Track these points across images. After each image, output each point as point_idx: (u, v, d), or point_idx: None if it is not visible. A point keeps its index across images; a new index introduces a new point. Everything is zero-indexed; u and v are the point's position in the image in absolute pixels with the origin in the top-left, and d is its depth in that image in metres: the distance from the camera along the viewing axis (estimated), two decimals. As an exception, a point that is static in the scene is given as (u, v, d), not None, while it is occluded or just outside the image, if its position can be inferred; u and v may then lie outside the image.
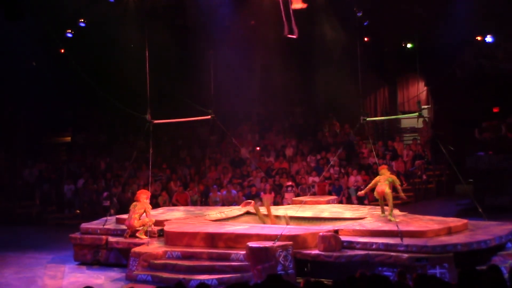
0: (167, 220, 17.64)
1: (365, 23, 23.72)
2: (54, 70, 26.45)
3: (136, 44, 24.05)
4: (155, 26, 22.67)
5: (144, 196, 17.31)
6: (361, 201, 22.73)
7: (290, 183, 24.66)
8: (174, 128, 28.20)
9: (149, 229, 16.89)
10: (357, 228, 15.70)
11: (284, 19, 17.51)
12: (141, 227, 16.95)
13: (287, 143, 28.16)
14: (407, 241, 14.47)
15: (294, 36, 17.62)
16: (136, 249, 15.86)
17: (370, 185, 18.09)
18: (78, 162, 27.70)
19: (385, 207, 17.19)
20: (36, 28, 22.01)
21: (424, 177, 25.90)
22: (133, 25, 24.19)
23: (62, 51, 23.80)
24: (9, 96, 28.21)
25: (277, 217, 17.85)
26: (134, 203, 17.33)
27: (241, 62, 27.83)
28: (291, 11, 17.45)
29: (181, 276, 14.50)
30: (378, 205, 18.56)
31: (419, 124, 27.52)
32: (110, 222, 18.23)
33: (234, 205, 21.75)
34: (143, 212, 17.08)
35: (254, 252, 14.49)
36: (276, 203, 23.64)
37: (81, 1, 23.54)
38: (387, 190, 16.96)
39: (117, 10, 24.65)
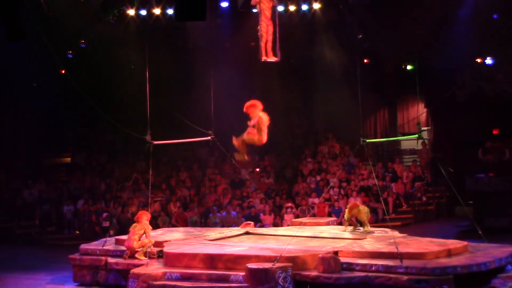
0: (166, 241, 17.60)
1: (364, 45, 23.85)
2: (54, 90, 26.52)
3: (136, 64, 24.14)
4: (155, 46, 22.76)
5: (145, 217, 17.27)
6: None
7: (289, 204, 24.65)
8: (174, 149, 28.24)
9: (149, 250, 16.85)
10: (357, 249, 15.66)
11: (260, 44, 17.47)
12: (141, 248, 16.91)
13: (287, 164, 28.17)
14: (406, 263, 14.42)
15: (276, 59, 17.58)
16: (135, 270, 15.79)
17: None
18: (78, 183, 27.68)
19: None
20: (37, 48, 22.06)
21: (424, 198, 25.91)
22: (133, 46, 24.28)
23: (63, 71, 23.82)
24: (10, 116, 28.27)
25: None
26: (134, 224, 17.28)
27: (241, 83, 27.87)
28: (276, 35, 17.43)
29: (180, 298, 14.52)
30: (379, 226, 18.74)
31: (419, 145, 27.55)
32: (109, 243, 18.17)
33: (234, 226, 21.74)
34: (143, 233, 17.04)
35: (253, 274, 14.44)
36: (275, 224, 23.66)
37: (82, 22, 23.59)
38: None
39: (117, 31, 24.73)
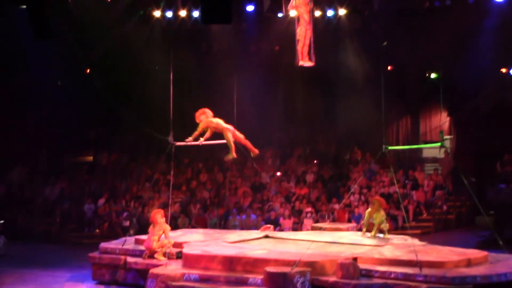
0: (185, 242, 17.64)
1: (388, 53, 23.76)
2: (78, 89, 26.66)
3: (160, 66, 24.23)
4: (180, 49, 22.82)
5: (159, 216, 17.25)
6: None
7: (309, 209, 24.63)
8: (195, 151, 28.26)
9: (168, 250, 16.91)
10: (376, 256, 15.63)
11: (297, 47, 17.49)
12: (160, 249, 16.96)
13: (308, 169, 28.16)
14: (426, 271, 14.37)
15: (312, 64, 17.61)
16: (154, 270, 15.84)
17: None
18: (99, 182, 27.80)
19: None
20: (63, 47, 22.22)
21: (445, 207, 25.77)
22: (158, 48, 24.37)
23: (88, 71, 23.95)
24: (34, 114, 28.47)
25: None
26: (153, 224, 17.32)
27: (264, 87, 27.93)
28: (311, 39, 17.45)
29: (198, 299, 14.55)
30: (399, 234, 18.71)
31: (441, 154, 27.44)
32: (129, 243, 18.24)
33: (253, 229, 21.75)
34: (162, 233, 17.09)
35: (272, 277, 14.45)
36: (295, 229, 23.65)
37: (108, 22, 23.71)
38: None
39: (143, 32, 24.83)
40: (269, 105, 29.26)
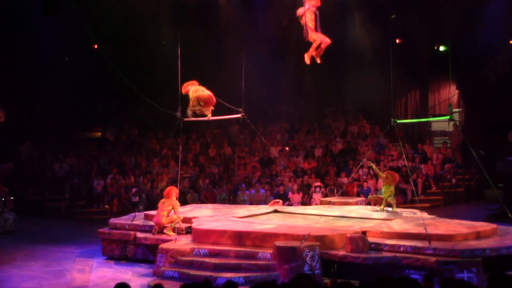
0: (195, 217, 17.69)
1: (397, 25, 23.61)
2: (86, 65, 26.63)
3: (168, 40, 24.16)
4: (187, 23, 22.71)
5: (173, 193, 17.33)
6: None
7: (318, 183, 24.62)
8: (204, 126, 28.27)
9: (177, 226, 16.96)
10: (385, 230, 15.65)
11: (304, 23, 17.39)
12: (169, 224, 17.01)
13: (317, 143, 28.13)
14: (435, 244, 14.40)
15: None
16: (164, 246, 15.92)
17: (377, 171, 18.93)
18: (108, 158, 27.84)
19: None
20: (70, 22, 22.14)
21: (454, 180, 25.75)
22: (166, 22, 24.28)
23: (95, 46, 23.89)
24: (42, 90, 28.48)
25: None
26: (163, 200, 17.37)
27: (272, 61, 27.82)
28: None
29: (208, 274, 14.50)
30: (408, 207, 18.74)
31: (450, 127, 27.37)
32: (138, 218, 18.32)
33: (262, 204, 21.78)
34: (171, 209, 17.13)
35: (281, 252, 14.50)
36: (304, 203, 23.67)
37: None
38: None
39: (150, 6, 24.73)
40: (277, 79, 29.17)
